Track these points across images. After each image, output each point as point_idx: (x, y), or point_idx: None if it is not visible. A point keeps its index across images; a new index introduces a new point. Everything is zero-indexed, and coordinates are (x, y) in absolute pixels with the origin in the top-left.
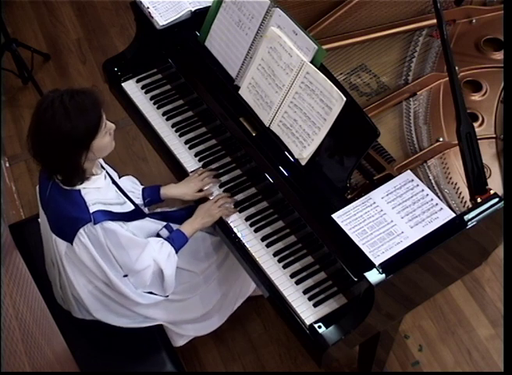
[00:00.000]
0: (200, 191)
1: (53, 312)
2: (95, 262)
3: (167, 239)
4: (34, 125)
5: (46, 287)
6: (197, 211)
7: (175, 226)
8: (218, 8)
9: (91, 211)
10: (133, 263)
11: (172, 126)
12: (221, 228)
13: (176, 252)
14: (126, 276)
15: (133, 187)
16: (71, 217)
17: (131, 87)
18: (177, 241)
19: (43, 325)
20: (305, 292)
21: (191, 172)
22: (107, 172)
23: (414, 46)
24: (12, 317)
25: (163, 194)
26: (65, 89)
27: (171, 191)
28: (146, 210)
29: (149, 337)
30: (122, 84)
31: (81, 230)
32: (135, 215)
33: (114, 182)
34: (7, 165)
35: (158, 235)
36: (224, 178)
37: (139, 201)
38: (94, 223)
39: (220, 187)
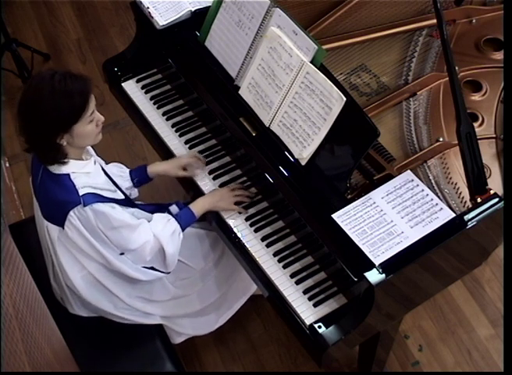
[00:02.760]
0: (185, 170)
1: (53, 311)
2: (89, 243)
3: (175, 216)
4: (22, 96)
5: (46, 287)
6: (212, 193)
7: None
8: (218, 8)
9: (81, 194)
10: (127, 243)
11: (172, 126)
12: (221, 228)
13: (183, 230)
14: (122, 254)
15: (121, 171)
16: (61, 200)
17: (131, 87)
18: (185, 219)
19: (43, 325)
20: (305, 292)
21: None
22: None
23: (414, 46)
24: (12, 317)
25: (150, 172)
26: (61, 70)
27: (157, 167)
28: (136, 191)
29: (149, 337)
30: (122, 84)
31: (71, 213)
32: (124, 203)
33: (104, 172)
34: (7, 165)
35: (168, 211)
36: (224, 178)
37: (128, 183)
38: (84, 206)
39: (220, 187)
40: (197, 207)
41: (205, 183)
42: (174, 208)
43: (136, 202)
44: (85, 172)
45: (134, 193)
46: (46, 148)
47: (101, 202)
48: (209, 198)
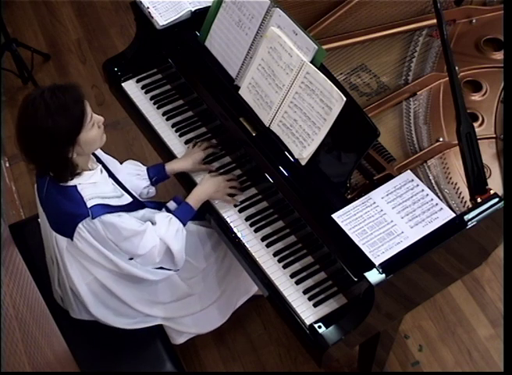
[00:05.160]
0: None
1: (53, 311)
2: (100, 252)
3: (174, 213)
4: (18, 123)
5: (46, 287)
6: (206, 182)
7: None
8: (218, 8)
9: (89, 206)
10: (136, 250)
11: (172, 126)
12: (221, 228)
13: (184, 225)
14: (131, 259)
15: (138, 169)
16: (69, 213)
17: (131, 87)
18: (184, 215)
19: (43, 325)
20: (305, 292)
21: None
22: (103, 165)
23: (414, 46)
24: (12, 317)
25: (169, 169)
26: (47, 86)
27: (176, 164)
28: (154, 190)
29: (149, 337)
30: (122, 84)
31: (80, 225)
32: (133, 207)
33: (111, 175)
34: (7, 165)
35: (166, 208)
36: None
37: (146, 182)
38: (93, 218)
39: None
40: (194, 199)
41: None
42: (172, 205)
43: (144, 200)
44: (92, 182)
45: (152, 191)
46: (60, 167)
47: (109, 213)
48: (205, 189)
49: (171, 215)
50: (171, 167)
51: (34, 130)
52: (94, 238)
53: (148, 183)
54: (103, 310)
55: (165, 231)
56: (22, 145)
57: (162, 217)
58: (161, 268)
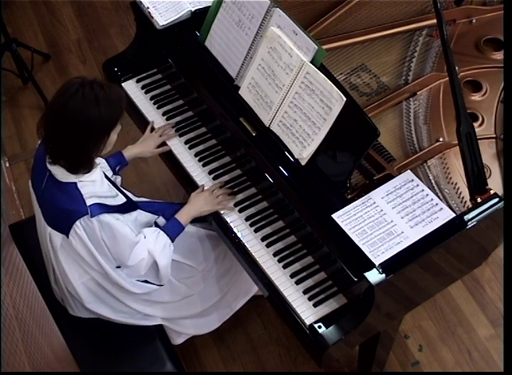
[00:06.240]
0: (159, 147)
1: (52, 310)
2: (90, 253)
3: (163, 228)
4: (58, 107)
5: (46, 287)
6: (194, 199)
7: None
8: (218, 8)
9: (88, 204)
10: (127, 259)
11: (173, 126)
12: (221, 228)
13: (172, 241)
14: (118, 267)
15: (98, 161)
16: (68, 210)
17: (131, 87)
18: (173, 230)
19: (43, 325)
20: (305, 292)
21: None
22: None
23: (414, 46)
24: (12, 317)
25: (127, 156)
26: (93, 78)
27: (132, 151)
28: (119, 179)
29: (149, 337)
30: (122, 84)
31: (77, 223)
32: (127, 207)
33: (105, 175)
34: (7, 165)
35: (156, 223)
36: (224, 178)
37: (109, 173)
38: (91, 216)
39: (220, 187)
40: (183, 216)
41: (205, 183)
42: (161, 220)
43: (139, 200)
44: (91, 180)
45: (118, 181)
46: (81, 158)
47: (107, 213)
48: (193, 206)
49: (159, 229)
50: (129, 154)
51: (78, 116)
52: (89, 238)
53: (111, 173)
54: (102, 307)
55: (153, 244)
56: (51, 129)
57: (151, 231)
58: (145, 281)
